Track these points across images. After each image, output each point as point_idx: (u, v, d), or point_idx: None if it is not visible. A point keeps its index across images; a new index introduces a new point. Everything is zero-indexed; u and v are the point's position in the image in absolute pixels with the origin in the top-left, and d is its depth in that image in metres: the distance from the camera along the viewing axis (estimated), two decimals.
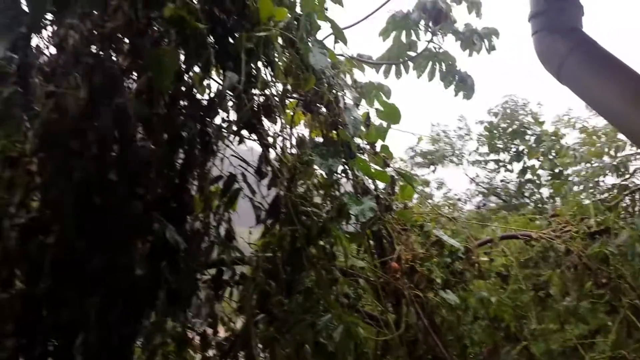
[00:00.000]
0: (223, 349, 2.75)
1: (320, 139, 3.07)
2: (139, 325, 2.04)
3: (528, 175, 15.56)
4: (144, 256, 2.04)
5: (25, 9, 2.42)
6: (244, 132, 2.71)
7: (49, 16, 2.39)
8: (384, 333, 3.31)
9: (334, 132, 3.03)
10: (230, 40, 2.52)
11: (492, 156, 16.71)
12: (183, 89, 2.34)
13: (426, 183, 9.66)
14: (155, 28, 2.28)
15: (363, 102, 3.47)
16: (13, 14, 2.46)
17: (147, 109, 2.10)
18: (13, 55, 2.48)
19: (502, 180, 16.59)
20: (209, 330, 2.84)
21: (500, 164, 16.53)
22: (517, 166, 15.96)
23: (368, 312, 3.41)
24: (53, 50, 2.39)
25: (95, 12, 2.16)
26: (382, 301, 3.37)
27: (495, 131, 16.11)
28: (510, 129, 15.78)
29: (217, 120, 2.56)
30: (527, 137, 15.48)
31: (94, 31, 1.99)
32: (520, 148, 15.69)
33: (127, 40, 2.10)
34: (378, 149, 3.43)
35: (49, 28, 2.46)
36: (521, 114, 15.76)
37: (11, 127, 2.32)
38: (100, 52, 1.92)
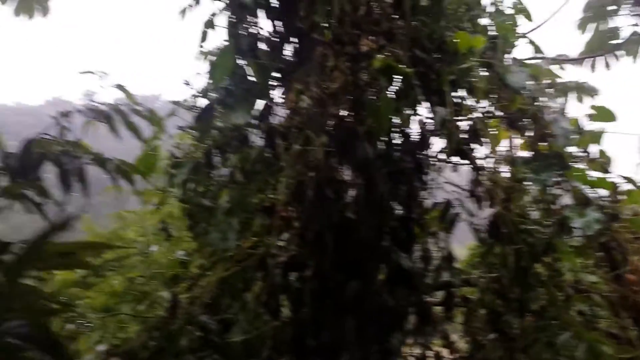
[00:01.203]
0: None
1: (529, 154, 3.06)
2: (393, 343, 2.27)
3: None
4: (385, 282, 2.28)
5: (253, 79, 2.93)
6: (455, 159, 2.84)
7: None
8: (628, 350, 3.09)
9: (544, 144, 3.00)
10: (432, 75, 2.71)
11: None
12: (396, 128, 2.58)
13: None
14: (364, 78, 2.59)
15: (573, 104, 3.35)
16: (245, 86, 2.99)
17: (369, 151, 2.37)
18: (252, 122, 3.01)
19: None
20: (442, 351, 2.96)
21: None
22: None
23: (606, 329, 3.22)
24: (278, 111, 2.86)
25: (315, 75, 2.54)
26: (621, 316, 3.17)
27: None
28: None
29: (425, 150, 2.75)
30: None
31: (321, 92, 2.32)
32: None
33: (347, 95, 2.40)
34: (595, 154, 3.27)
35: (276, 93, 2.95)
36: None
37: (260, 182, 2.80)
38: (334, 110, 2.24)
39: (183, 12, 2.94)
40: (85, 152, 1.88)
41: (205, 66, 3.27)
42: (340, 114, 2.35)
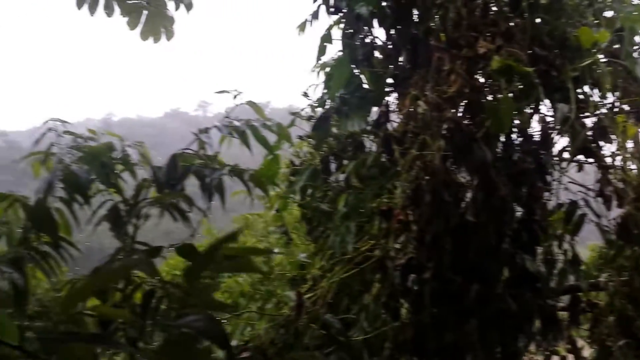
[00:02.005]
0: None
1: None
2: (517, 346, 2.24)
3: None
4: (508, 286, 2.25)
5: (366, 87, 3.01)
6: (580, 157, 2.73)
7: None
8: None
9: None
10: (553, 73, 2.63)
11: None
12: (516, 129, 2.54)
13: None
14: (481, 80, 2.58)
15: None
16: (360, 95, 3.08)
17: (488, 153, 2.36)
18: (367, 128, 3.11)
19: None
20: (567, 357, 2.85)
21: None
22: None
23: None
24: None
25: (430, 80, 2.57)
26: None
27: None
28: None
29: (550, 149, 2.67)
30: None
31: (437, 96, 2.35)
32: None
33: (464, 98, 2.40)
34: None
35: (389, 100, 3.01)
36: None
37: (376, 187, 2.87)
38: (451, 113, 2.26)
39: (302, 27, 3.10)
40: (222, 164, 2.07)
41: (321, 77, 3.41)
42: (457, 117, 2.36)
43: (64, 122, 2.12)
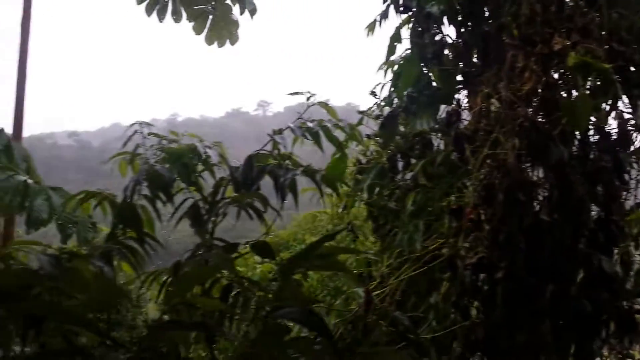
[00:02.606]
0: None
1: None
2: (592, 349, 2.19)
3: None
4: (583, 286, 2.20)
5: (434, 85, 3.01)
6: None
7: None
8: None
9: None
10: (632, 68, 2.54)
11: None
12: (592, 126, 2.47)
13: None
14: (555, 77, 2.52)
15: None
16: (429, 93, 3.08)
17: (564, 152, 2.31)
18: (435, 127, 3.10)
19: None
20: None
21: None
22: None
23: None
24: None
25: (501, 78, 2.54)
26: None
27: None
28: None
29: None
30: None
31: (511, 94, 2.32)
32: None
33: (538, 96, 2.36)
34: None
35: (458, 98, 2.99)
36: None
37: (445, 185, 2.87)
38: (525, 111, 2.23)
39: (371, 27, 3.13)
40: (295, 164, 2.13)
41: (388, 76, 3.43)
42: (532, 115, 2.32)
43: (148, 124, 2.25)
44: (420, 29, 2.89)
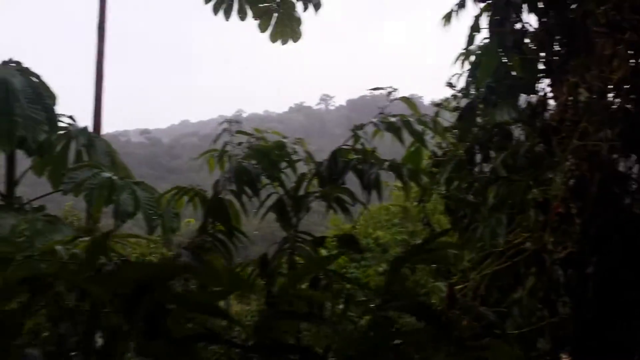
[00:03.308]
0: None
1: None
2: None
3: None
4: None
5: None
6: None
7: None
8: None
9: None
10: None
11: None
12: None
13: None
14: None
15: None
16: (509, 83, 3.01)
17: None
18: (516, 117, 3.03)
19: None
20: None
21: None
22: None
23: None
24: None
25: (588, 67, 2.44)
26: None
27: None
28: None
29: None
30: None
31: (601, 82, 2.24)
32: None
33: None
34: None
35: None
36: None
37: (529, 178, 2.80)
38: (616, 100, 2.15)
39: (448, 17, 3.09)
40: (377, 159, 2.15)
41: (461, 67, 3.37)
42: (622, 104, 2.23)
43: (237, 122, 2.33)
44: (499, 17, 2.83)
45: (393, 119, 2.19)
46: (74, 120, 4.19)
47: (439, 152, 3.49)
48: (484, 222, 2.83)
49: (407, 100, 2.24)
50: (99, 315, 0.95)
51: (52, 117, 3.63)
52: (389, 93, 2.21)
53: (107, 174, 3.56)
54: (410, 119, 2.19)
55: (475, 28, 2.90)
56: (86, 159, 3.98)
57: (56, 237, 3.26)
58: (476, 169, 3.23)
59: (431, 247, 1.17)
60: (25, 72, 3.73)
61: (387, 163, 2.10)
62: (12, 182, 3.95)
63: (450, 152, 3.39)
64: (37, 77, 3.73)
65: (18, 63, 3.82)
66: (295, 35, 7.85)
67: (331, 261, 1.59)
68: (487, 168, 3.17)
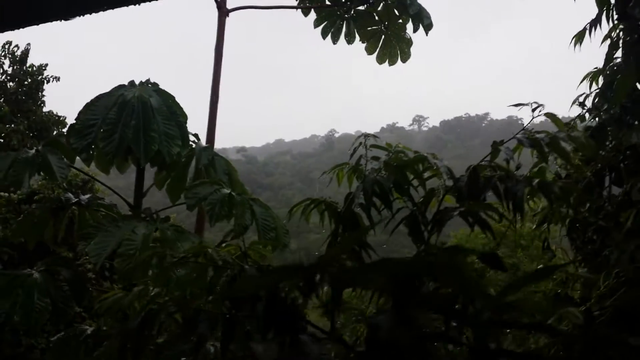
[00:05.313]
0: None
1: None
2: None
3: None
4: None
5: None
6: None
7: None
8: None
9: None
10: None
11: None
12: None
13: None
14: None
15: None
16: None
17: None
18: None
19: None
20: None
21: None
22: None
23: None
24: None
25: None
26: None
27: None
28: None
29: None
30: None
31: None
32: None
33: None
34: None
35: None
36: None
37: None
38: None
39: (580, 35, 3.01)
40: (520, 177, 2.12)
41: (588, 86, 3.26)
42: None
43: (374, 136, 2.40)
44: (636, 36, 2.72)
45: (539, 135, 2.15)
46: (198, 138, 4.49)
47: (563, 174, 3.38)
48: (619, 247, 2.70)
49: (553, 117, 2.19)
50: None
51: (185, 134, 3.90)
52: (534, 109, 2.18)
53: (226, 190, 3.76)
54: (559, 135, 2.13)
55: (613, 47, 2.80)
56: (204, 175, 4.24)
57: (186, 245, 3.48)
58: (604, 192, 3.09)
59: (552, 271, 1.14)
60: (161, 92, 4.05)
61: (536, 181, 2.06)
62: (140, 194, 4.27)
63: (575, 174, 3.26)
64: (171, 96, 4.04)
65: (154, 84, 4.16)
66: (405, 56, 7.89)
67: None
68: (616, 191, 3.02)
